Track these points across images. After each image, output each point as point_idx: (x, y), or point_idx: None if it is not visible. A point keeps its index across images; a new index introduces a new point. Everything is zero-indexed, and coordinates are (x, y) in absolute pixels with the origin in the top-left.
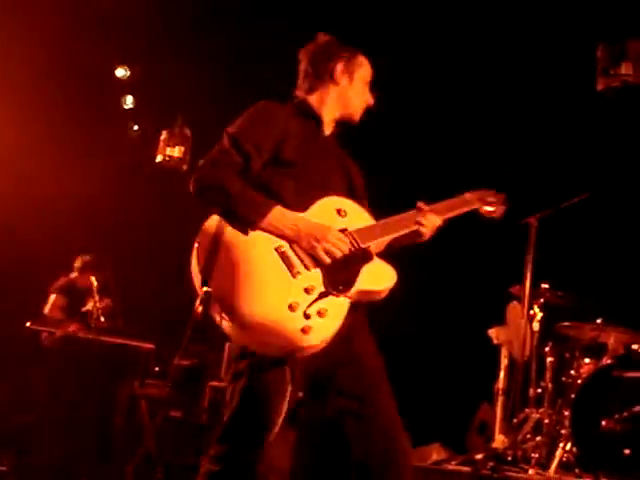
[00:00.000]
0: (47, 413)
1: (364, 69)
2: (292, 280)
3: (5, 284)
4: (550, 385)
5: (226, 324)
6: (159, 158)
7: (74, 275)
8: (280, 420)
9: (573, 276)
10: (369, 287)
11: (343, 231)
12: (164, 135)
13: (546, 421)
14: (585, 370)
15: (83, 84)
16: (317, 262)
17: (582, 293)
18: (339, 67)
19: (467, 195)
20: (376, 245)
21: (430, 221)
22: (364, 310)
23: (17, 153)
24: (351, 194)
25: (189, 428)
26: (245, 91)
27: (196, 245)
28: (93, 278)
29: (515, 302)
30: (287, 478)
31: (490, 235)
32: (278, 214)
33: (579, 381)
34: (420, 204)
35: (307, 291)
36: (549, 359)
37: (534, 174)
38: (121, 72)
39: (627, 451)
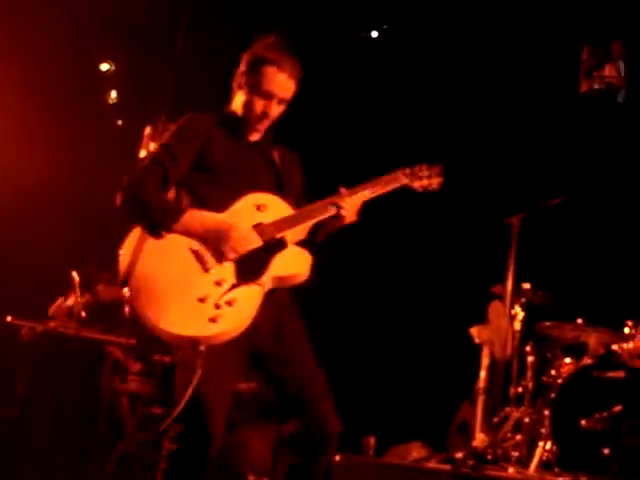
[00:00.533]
0: (29, 408)
1: (265, 79)
2: (203, 275)
3: None
4: (531, 384)
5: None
6: (142, 153)
7: None
8: (185, 397)
9: (554, 276)
10: (282, 273)
11: (257, 225)
12: (148, 130)
13: (526, 420)
14: (565, 370)
15: (68, 78)
16: (226, 257)
17: (563, 293)
18: (239, 73)
19: (395, 173)
20: (293, 234)
21: (349, 203)
22: (288, 295)
23: (1, 147)
24: (279, 191)
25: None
26: (230, 84)
27: (120, 253)
28: (75, 273)
29: (497, 301)
30: (267, 476)
31: (472, 234)
32: (188, 217)
33: (559, 380)
34: (341, 188)
35: (218, 284)
36: (530, 358)
37: (516, 174)
38: (105, 66)
39: (606, 451)
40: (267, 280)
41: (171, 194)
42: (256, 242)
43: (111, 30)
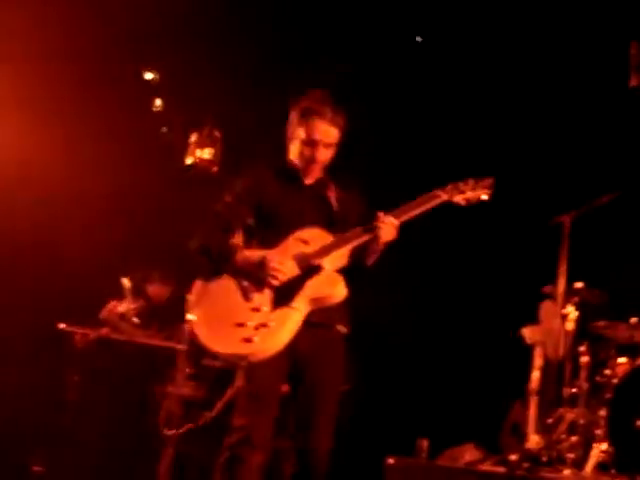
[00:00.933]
0: (82, 414)
1: (309, 128)
2: (244, 303)
3: (38, 284)
4: (585, 385)
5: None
6: (189, 160)
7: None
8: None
9: (607, 275)
10: (315, 295)
11: (297, 255)
12: (194, 137)
13: (581, 421)
14: (620, 370)
15: (112, 88)
16: (265, 285)
17: (617, 292)
18: (289, 125)
19: (434, 192)
20: (332, 261)
21: (385, 223)
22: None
23: (48, 158)
24: (330, 226)
25: (222, 428)
26: (274, 90)
27: (189, 296)
28: (125, 280)
29: (548, 301)
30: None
31: (523, 234)
32: (238, 256)
33: (614, 381)
34: (378, 212)
35: (255, 309)
36: (584, 358)
37: (568, 172)
38: (149, 75)
39: None
40: (301, 303)
41: (238, 238)
42: (293, 270)
43: (155, 38)
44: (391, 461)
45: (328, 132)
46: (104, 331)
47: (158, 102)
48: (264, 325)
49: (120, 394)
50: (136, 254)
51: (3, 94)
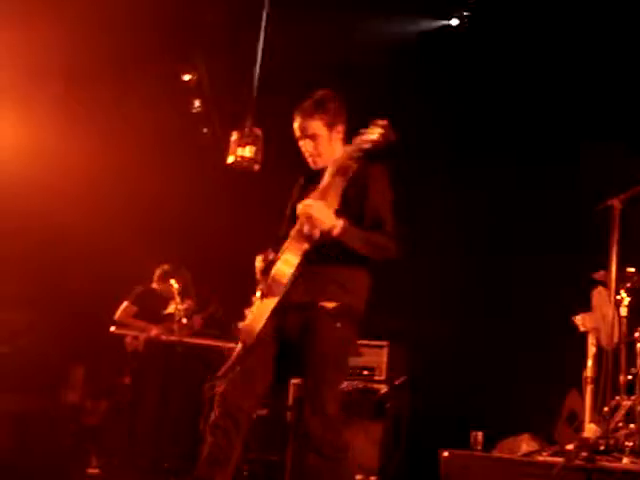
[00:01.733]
0: (135, 415)
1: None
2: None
3: (90, 289)
4: None
5: None
6: (231, 159)
7: (154, 284)
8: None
9: None
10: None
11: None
12: (234, 136)
13: (638, 408)
14: None
15: (152, 91)
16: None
17: None
18: None
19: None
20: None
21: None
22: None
23: (89, 159)
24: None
25: (274, 426)
26: (314, 87)
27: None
28: (173, 281)
29: (600, 287)
30: (375, 474)
31: (573, 219)
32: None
33: None
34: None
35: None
36: (639, 345)
37: (617, 156)
38: (188, 76)
39: None
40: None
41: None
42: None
43: (192, 40)
44: (446, 454)
45: (304, 125)
46: (154, 332)
47: (197, 103)
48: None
49: (172, 395)
50: (183, 255)
51: (47, 94)
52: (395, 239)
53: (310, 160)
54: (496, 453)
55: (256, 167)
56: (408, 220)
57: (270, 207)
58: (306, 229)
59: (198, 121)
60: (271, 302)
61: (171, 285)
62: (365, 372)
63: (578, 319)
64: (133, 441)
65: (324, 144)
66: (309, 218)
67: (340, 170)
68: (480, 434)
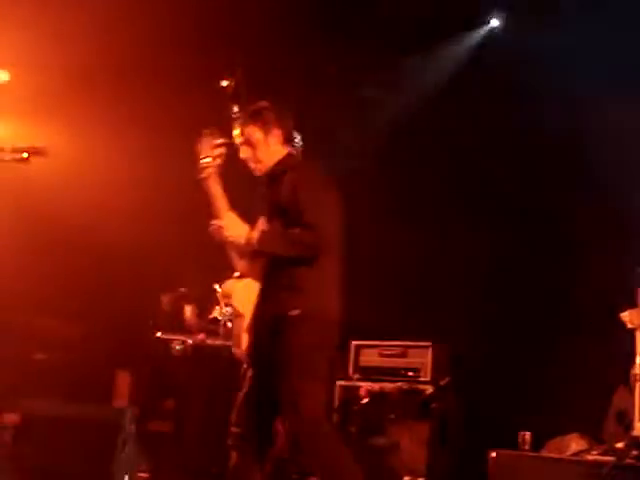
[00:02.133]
0: (182, 420)
1: None
2: None
3: (137, 295)
4: None
5: None
6: None
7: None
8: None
9: None
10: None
11: None
12: None
13: None
14: None
15: (190, 98)
16: None
17: None
18: None
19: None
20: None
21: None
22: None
23: (129, 164)
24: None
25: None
26: (347, 93)
27: None
28: (217, 286)
29: None
30: (422, 476)
31: (618, 214)
32: None
33: None
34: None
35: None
36: None
37: None
38: (225, 82)
39: None
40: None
41: None
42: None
43: (228, 46)
44: (494, 454)
45: (242, 132)
46: (200, 337)
47: (235, 108)
48: None
49: (218, 399)
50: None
51: (86, 102)
52: (313, 234)
53: (252, 167)
54: (544, 453)
55: None
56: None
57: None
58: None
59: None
60: (242, 320)
61: (215, 290)
62: (410, 373)
63: (625, 316)
64: (181, 445)
65: (262, 150)
66: (224, 239)
67: (275, 180)
68: (528, 434)
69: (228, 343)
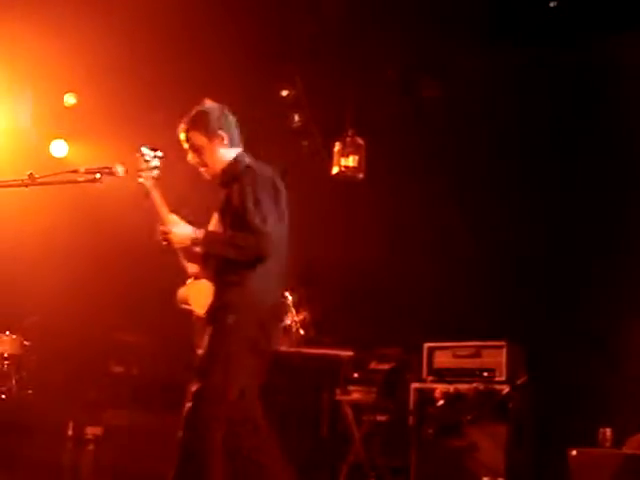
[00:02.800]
0: None
1: None
2: None
3: None
4: None
5: None
6: (335, 170)
7: None
8: None
9: None
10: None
11: None
12: (337, 146)
13: None
14: None
15: (251, 108)
16: None
17: None
18: None
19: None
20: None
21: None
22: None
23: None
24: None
25: (396, 430)
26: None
27: None
28: (287, 293)
29: None
30: (501, 476)
31: None
32: None
33: None
34: None
35: None
36: None
37: None
38: (285, 91)
39: None
40: None
41: None
42: None
43: (288, 54)
44: (574, 452)
45: (185, 138)
46: None
47: (297, 117)
48: None
49: (292, 404)
50: (294, 267)
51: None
52: (257, 234)
53: (202, 172)
54: (626, 449)
55: (360, 176)
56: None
57: (377, 215)
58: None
59: (299, 135)
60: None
61: (285, 297)
62: (485, 374)
63: None
64: None
65: (207, 154)
66: (171, 242)
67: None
68: (609, 430)
69: (302, 349)
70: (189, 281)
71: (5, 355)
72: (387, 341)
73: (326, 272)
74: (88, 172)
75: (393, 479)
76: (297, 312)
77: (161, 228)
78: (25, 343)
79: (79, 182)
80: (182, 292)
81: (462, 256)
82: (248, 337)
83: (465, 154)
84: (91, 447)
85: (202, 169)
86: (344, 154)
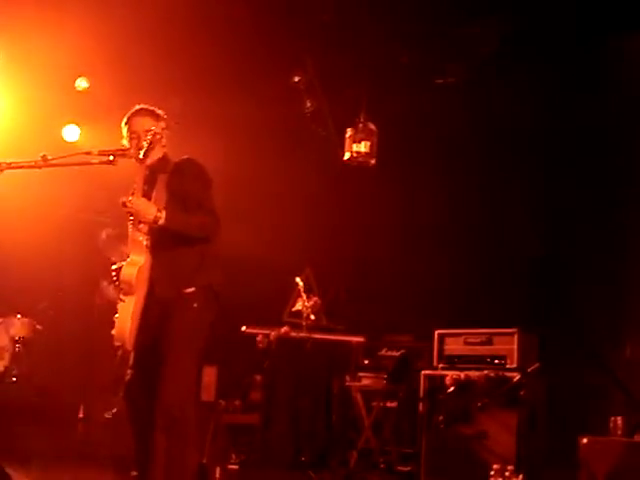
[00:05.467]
0: (269, 412)
1: None
2: None
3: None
4: None
5: None
6: (347, 155)
7: None
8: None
9: None
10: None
11: None
12: (349, 132)
13: None
14: None
15: (264, 95)
16: None
17: None
18: None
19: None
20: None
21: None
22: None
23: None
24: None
25: (405, 417)
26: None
27: None
28: (298, 279)
29: None
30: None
31: None
32: None
33: None
34: None
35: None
36: None
37: None
38: (297, 77)
39: None
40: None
41: None
42: None
43: (301, 41)
44: (585, 440)
45: (131, 123)
46: (284, 330)
47: (309, 103)
48: None
49: (303, 390)
50: (305, 252)
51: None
52: (212, 215)
53: (135, 156)
54: (637, 438)
55: (372, 161)
56: None
57: (389, 200)
58: (135, 224)
59: (311, 120)
60: (130, 302)
61: (296, 283)
62: (496, 361)
63: None
64: (269, 436)
65: (155, 142)
66: (135, 214)
67: (161, 168)
68: (620, 418)
69: (313, 335)
70: (129, 260)
71: (17, 338)
72: (398, 328)
73: (338, 258)
74: (101, 154)
75: (403, 465)
76: (307, 298)
77: (132, 199)
78: (37, 327)
79: (92, 164)
80: (125, 274)
81: (475, 243)
82: (209, 318)
83: (478, 142)
84: (102, 429)
85: (141, 153)
86: (356, 140)
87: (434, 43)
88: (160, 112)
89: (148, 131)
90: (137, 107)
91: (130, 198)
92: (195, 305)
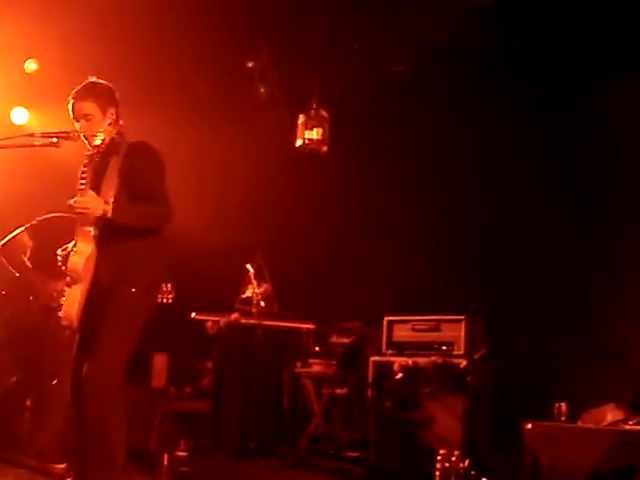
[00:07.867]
0: (220, 399)
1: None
2: None
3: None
4: None
5: None
6: (299, 142)
7: None
8: None
9: None
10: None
11: None
12: (301, 119)
13: None
14: None
15: (216, 77)
16: None
17: None
18: None
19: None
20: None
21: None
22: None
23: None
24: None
25: (354, 404)
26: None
27: None
28: (249, 265)
29: None
30: (458, 448)
31: None
32: None
33: None
34: None
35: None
36: None
37: None
38: (251, 63)
39: None
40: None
41: None
42: None
43: (255, 27)
44: (530, 426)
45: (78, 106)
46: (234, 317)
47: (262, 89)
48: None
49: (254, 377)
50: (257, 239)
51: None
52: (164, 206)
53: (87, 141)
54: (581, 424)
55: (324, 149)
56: None
57: (340, 187)
58: (82, 219)
59: (264, 106)
60: (78, 289)
61: (247, 269)
62: (444, 347)
63: None
64: (218, 423)
65: (98, 125)
66: (84, 214)
67: (113, 149)
68: (564, 405)
69: (263, 322)
70: (76, 249)
71: None
72: (348, 315)
73: (288, 245)
74: (45, 136)
75: (352, 451)
76: (258, 284)
77: (77, 199)
78: None
79: (35, 146)
80: (72, 263)
81: (423, 230)
82: (148, 304)
83: (428, 128)
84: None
85: (88, 139)
86: (308, 126)
87: (385, 30)
88: (106, 86)
89: (87, 115)
90: (81, 86)
91: (75, 199)
92: (133, 290)
